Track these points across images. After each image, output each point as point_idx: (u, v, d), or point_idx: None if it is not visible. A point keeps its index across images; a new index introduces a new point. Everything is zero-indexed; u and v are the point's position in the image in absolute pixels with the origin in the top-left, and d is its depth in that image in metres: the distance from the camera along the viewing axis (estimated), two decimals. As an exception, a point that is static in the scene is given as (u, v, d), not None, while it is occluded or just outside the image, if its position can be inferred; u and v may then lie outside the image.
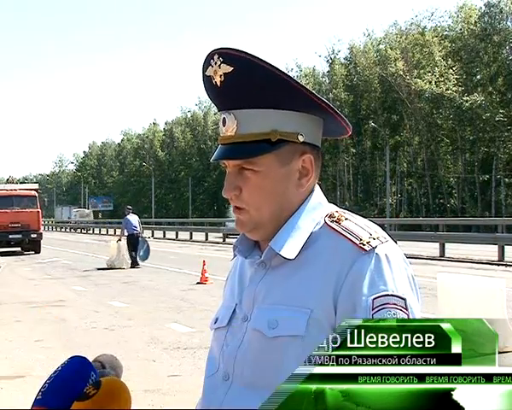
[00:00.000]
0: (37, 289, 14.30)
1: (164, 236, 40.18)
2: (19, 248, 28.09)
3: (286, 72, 1.21)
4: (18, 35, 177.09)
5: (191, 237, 36.72)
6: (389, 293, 1.13)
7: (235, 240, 1.33)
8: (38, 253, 27.13)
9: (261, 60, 1.18)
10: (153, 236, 40.52)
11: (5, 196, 27.88)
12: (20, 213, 27.11)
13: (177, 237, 38.48)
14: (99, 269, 19.15)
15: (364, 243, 1.17)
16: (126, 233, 20.10)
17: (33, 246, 27.81)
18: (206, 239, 34.51)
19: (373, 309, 1.12)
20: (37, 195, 28.85)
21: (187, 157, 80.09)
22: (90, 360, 1.27)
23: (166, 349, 7.69)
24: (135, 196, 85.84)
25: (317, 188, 1.30)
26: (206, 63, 1.22)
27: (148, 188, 78.76)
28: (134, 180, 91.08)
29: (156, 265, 19.48)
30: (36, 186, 33.50)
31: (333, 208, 1.28)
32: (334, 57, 57.69)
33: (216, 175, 73.74)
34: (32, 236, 27.24)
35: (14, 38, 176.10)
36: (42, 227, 29.35)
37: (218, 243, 32.06)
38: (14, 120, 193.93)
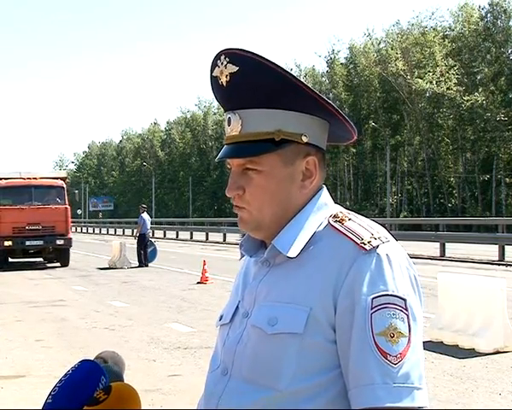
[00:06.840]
0: (38, 289, 14.30)
1: (164, 236, 40.18)
2: (40, 259, 20.99)
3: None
4: (18, 35, 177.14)
5: (191, 237, 36.73)
6: (389, 293, 1.13)
7: (242, 239, 1.33)
8: (66, 265, 19.94)
9: (267, 60, 1.17)
10: (153, 236, 40.52)
11: (20, 187, 19.81)
12: (41, 211, 19.40)
13: (177, 236, 38.50)
14: (99, 269, 19.16)
15: (365, 242, 1.16)
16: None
17: (59, 256, 20.18)
18: (207, 239, 34.51)
19: (372, 309, 1.11)
20: (65, 186, 20.64)
21: (187, 157, 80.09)
22: (92, 359, 1.27)
23: (167, 349, 7.68)
24: (135, 196, 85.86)
25: (324, 189, 1.30)
26: (214, 64, 1.22)
27: (149, 188, 78.77)
28: (134, 180, 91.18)
29: (156, 265, 19.51)
30: (64, 174, 24.53)
31: (337, 209, 1.28)
32: (334, 57, 57.72)
33: (216, 175, 73.75)
34: (58, 242, 19.60)
35: (15, 37, 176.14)
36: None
37: (218, 242, 32.06)
38: (14, 119, 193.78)
